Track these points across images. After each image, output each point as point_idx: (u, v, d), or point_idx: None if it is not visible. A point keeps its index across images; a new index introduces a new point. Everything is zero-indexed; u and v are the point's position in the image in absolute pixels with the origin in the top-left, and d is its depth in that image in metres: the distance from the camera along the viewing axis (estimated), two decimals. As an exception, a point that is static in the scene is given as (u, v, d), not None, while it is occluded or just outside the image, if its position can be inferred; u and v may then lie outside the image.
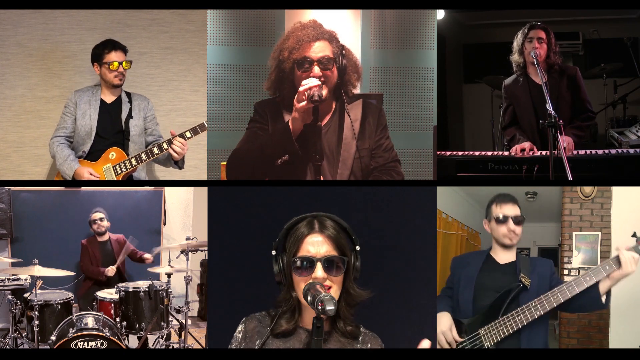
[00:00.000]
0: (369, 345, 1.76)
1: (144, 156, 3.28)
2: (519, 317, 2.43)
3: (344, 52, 2.55)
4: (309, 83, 2.40)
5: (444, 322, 2.53)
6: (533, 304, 2.43)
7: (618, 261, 2.37)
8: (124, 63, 3.36)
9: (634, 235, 2.49)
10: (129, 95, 3.49)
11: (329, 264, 1.67)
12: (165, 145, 3.25)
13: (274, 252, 1.72)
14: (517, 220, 2.59)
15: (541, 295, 2.44)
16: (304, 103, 2.39)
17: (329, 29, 2.58)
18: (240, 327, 1.77)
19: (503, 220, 2.59)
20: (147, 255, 4.42)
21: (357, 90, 2.70)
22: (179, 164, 3.36)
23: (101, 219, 4.39)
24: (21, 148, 3.80)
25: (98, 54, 3.37)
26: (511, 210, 2.60)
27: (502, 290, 2.50)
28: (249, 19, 3.98)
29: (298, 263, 1.67)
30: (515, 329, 2.43)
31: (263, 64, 3.76)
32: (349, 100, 2.64)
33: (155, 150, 3.27)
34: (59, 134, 3.41)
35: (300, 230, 1.71)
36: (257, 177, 2.57)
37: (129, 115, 3.43)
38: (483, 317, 2.50)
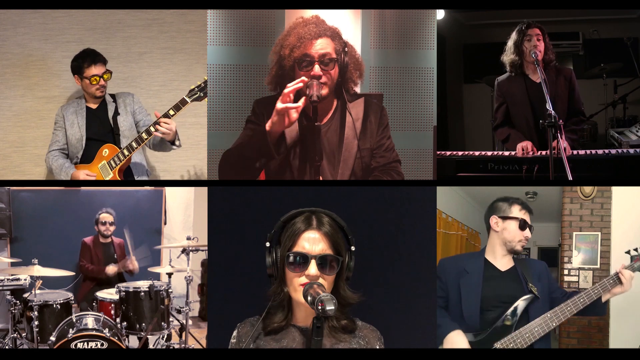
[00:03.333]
0: (366, 338, 1.74)
1: (134, 144, 3.28)
2: (536, 330, 2.41)
3: (346, 49, 2.51)
4: (295, 85, 2.36)
5: (462, 343, 2.43)
6: (549, 315, 2.43)
7: (618, 279, 2.51)
8: (104, 75, 3.38)
9: (628, 252, 2.57)
10: (113, 96, 3.51)
11: (323, 262, 1.65)
12: (153, 129, 3.23)
13: (267, 244, 1.70)
14: (532, 230, 2.59)
15: (555, 307, 2.45)
16: (285, 105, 2.35)
17: (331, 25, 2.55)
18: (234, 333, 1.76)
19: (524, 226, 2.56)
20: (131, 267, 4.35)
21: (358, 88, 2.68)
22: (175, 143, 3.32)
23: (111, 223, 4.37)
24: (21, 148, 3.80)
25: (78, 67, 3.39)
26: (529, 220, 2.58)
27: (509, 299, 2.46)
28: (249, 19, 3.97)
29: (292, 258, 1.65)
30: (533, 340, 2.40)
31: (263, 64, 3.75)
32: (350, 98, 2.62)
33: (144, 135, 3.25)
34: (53, 148, 3.45)
35: (296, 225, 1.69)
36: (245, 178, 2.55)
37: (116, 113, 3.45)
38: (496, 331, 2.44)
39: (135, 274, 4.37)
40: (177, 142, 3.32)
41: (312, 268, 1.64)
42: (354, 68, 2.57)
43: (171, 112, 3.20)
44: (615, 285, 2.50)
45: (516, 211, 2.57)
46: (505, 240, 2.57)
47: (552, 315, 2.43)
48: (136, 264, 4.38)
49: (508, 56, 3.53)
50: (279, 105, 2.35)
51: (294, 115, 2.39)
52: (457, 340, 2.43)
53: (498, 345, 2.40)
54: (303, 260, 1.65)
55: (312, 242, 1.66)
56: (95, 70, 3.36)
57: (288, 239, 1.69)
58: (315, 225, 1.68)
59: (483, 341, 2.43)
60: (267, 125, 2.40)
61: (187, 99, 3.20)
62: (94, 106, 3.48)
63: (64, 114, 3.45)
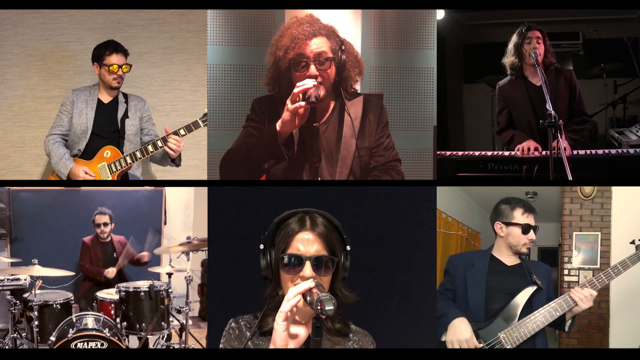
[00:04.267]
0: (360, 342, 1.74)
1: (138, 154, 3.28)
2: (539, 319, 2.45)
3: (343, 47, 2.47)
4: (304, 84, 2.32)
5: (465, 329, 2.46)
6: (553, 305, 2.47)
7: (573, 300, 2.48)
8: (123, 67, 3.37)
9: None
10: (125, 96, 3.50)
11: (318, 263, 1.62)
12: (160, 143, 3.25)
13: (262, 247, 1.68)
14: (536, 231, 2.62)
15: (559, 297, 2.49)
16: (296, 105, 2.31)
17: (326, 23, 2.50)
18: (233, 325, 1.73)
19: (528, 230, 2.59)
20: (144, 253, 4.39)
21: (358, 86, 2.65)
22: (175, 161, 3.35)
23: (105, 224, 4.34)
24: (21, 148, 3.80)
25: (99, 55, 3.37)
26: (533, 221, 2.62)
27: (513, 291, 2.51)
28: (249, 19, 3.97)
29: (286, 260, 1.63)
30: (537, 330, 2.45)
31: (263, 64, 3.74)
32: (348, 97, 2.60)
33: (150, 148, 3.26)
34: (55, 131, 3.40)
35: (290, 226, 1.67)
36: (249, 178, 2.53)
37: (125, 115, 3.44)
38: (500, 320, 2.48)
39: (143, 262, 4.34)
40: (177, 161, 3.34)
41: (307, 269, 1.62)
42: (352, 66, 2.52)
43: (182, 132, 3.23)
44: (572, 306, 2.47)
45: (519, 215, 2.61)
46: (510, 245, 2.64)
47: (557, 306, 2.47)
48: (147, 255, 4.37)
49: (508, 58, 3.53)
50: (291, 105, 2.33)
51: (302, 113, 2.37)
52: (461, 327, 2.46)
53: (502, 334, 2.46)
54: (298, 261, 1.63)
55: (306, 243, 1.64)
56: (115, 59, 3.34)
57: (282, 241, 1.67)
58: (309, 226, 1.66)
59: (487, 328, 2.48)
60: (278, 126, 2.37)
61: (200, 123, 3.25)
62: (106, 100, 3.45)
63: (74, 99, 3.40)
